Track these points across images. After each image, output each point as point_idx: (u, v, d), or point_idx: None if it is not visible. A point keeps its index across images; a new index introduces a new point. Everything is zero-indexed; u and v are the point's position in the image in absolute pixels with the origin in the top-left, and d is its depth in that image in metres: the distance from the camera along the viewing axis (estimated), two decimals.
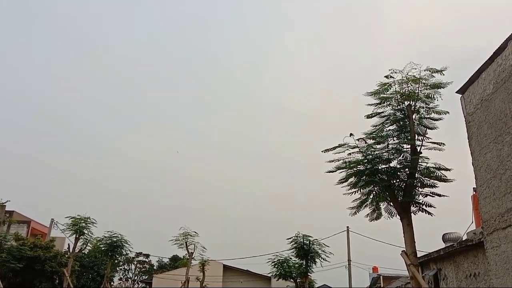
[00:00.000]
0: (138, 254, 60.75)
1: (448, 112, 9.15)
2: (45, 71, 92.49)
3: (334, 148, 8.98)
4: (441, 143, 9.01)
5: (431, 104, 9.13)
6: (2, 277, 17.69)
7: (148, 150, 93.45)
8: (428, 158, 9.03)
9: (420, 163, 8.90)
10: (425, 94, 9.03)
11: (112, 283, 31.98)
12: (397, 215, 9.09)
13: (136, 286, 47.57)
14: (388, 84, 9.08)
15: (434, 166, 8.92)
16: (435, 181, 8.98)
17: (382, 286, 35.62)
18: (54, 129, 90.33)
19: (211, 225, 74.52)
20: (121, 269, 60.44)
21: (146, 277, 57.62)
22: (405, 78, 8.91)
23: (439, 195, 9.06)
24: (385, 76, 8.97)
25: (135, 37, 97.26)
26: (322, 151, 9.01)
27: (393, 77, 8.94)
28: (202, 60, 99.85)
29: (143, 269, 64.21)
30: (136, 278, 62.78)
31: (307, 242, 21.11)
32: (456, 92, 12.20)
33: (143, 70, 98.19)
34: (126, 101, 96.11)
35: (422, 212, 9.14)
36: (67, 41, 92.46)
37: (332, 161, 9.14)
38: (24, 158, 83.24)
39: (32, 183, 79.35)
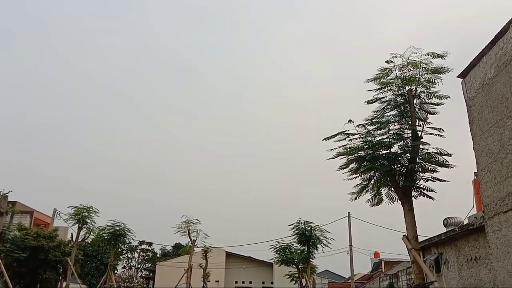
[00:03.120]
0: (141, 242, 61.15)
1: (449, 97, 9.09)
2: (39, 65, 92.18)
3: (334, 135, 8.94)
4: (441, 129, 8.98)
5: (432, 89, 9.06)
6: (7, 267, 17.81)
7: (151, 140, 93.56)
8: (429, 144, 9.00)
9: (421, 148, 8.88)
10: (426, 79, 8.96)
11: (115, 271, 32.26)
12: (398, 200, 9.10)
13: (139, 274, 47.95)
14: (388, 69, 9.00)
15: (435, 151, 8.89)
16: (436, 166, 8.97)
17: (383, 270, 35.90)
18: (53, 128, 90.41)
19: (213, 214, 74.98)
20: (124, 257, 60.85)
21: (150, 265, 58.09)
22: (405, 63, 8.83)
23: (440, 180, 9.05)
24: (385, 61, 8.89)
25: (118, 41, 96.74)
26: (323, 140, 8.98)
27: (394, 62, 8.87)
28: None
29: (146, 257, 64.68)
30: (139, 266, 63.27)
31: (309, 228, 21.18)
32: (457, 77, 12.12)
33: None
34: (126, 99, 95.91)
35: (423, 196, 9.14)
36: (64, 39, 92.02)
37: (333, 149, 9.13)
38: (25, 150, 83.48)
39: (33, 174, 79.68)
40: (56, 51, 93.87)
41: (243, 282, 42.31)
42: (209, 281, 29.46)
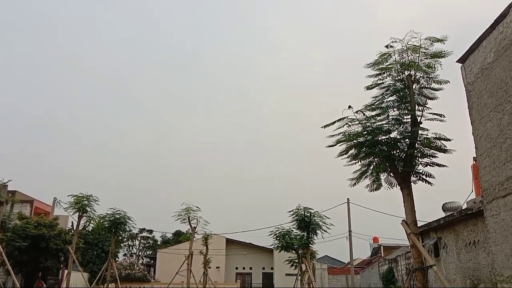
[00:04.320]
0: (142, 230, 61.50)
1: (449, 81, 9.05)
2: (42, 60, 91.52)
3: (334, 122, 8.93)
4: (441, 114, 8.96)
5: (431, 74, 9.02)
6: (8, 256, 17.90)
7: (148, 129, 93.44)
8: (427, 130, 9.00)
9: (420, 134, 8.88)
10: (425, 64, 8.92)
11: (117, 259, 32.49)
12: (397, 185, 9.13)
13: (140, 261, 48.35)
14: (388, 54, 8.95)
15: (434, 136, 8.89)
16: (435, 151, 8.98)
17: (382, 255, 36.21)
18: (53, 118, 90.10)
19: (212, 201, 75.29)
20: (125, 245, 61.26)
21: (150, 252, 58.52)
22: (405, 47, 8.78)
23: (439, 165, 9.07)
24: (385, 46, 8.83)
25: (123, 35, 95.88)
26: (322, 127, 8.97)
27: (393, 47, 8.81)
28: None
29: (147, 245, 65.12)
30: (140, 253, 63.72)
31: (308, 214, 21.27)
32: (457, 62, 12.06)
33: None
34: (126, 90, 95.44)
35: (422, 181, 9.17)
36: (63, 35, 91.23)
37: (332, 135, 9.12)
38: (25, 140, 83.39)
39: (33, 163, 79.73)
40: (56, 42, 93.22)
41: (244, 268, 42.68)
42: (209, 268, 29.68)
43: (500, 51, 10.17)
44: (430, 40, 8.77)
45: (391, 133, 9.00)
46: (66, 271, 20.68)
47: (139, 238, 64.43)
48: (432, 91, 9.15)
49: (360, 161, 9.32)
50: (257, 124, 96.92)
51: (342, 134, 8.97)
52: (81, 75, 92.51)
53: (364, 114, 8.89)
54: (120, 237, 30.11)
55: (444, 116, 8.92)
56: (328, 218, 21.77)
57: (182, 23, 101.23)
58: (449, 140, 8.83)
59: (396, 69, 9.02)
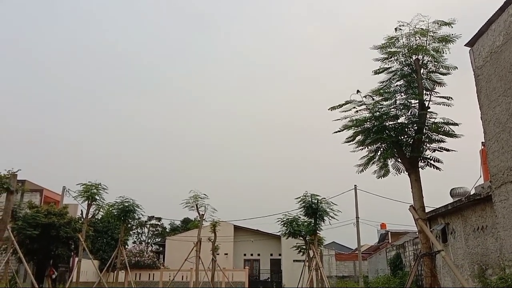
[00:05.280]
0: (151, 218, 62.06)
1: (457, 68, 8.95)
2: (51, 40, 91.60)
3: (341, 105, 8.87)
4: (449, 97, 8.87)
5: (439, 58, 8.91)
6: (20, 244, 18.18)
7: (154, 115, 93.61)
8: (436, 114, 8.92)
9: (428, 119, 8.81)
10: (433, 48, 8.80)
11: (126, 246, 32.84)
12: (404, 171, 9.09)
13: (150, 248, 48.94)
14: (395, 38, 8.85)
15: (442, 121, 8.82)
16: (443, 136, 8.91)
17: (390, 241, 36.27)
18: (61, 100, 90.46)
19: (220, 189, 75.67)
20: (134, 232, 61.94)
21: (159, 239, 59.09)
22: (412, 31, 8.66)
23: (447, 150, 9.01)
24: (394, 29, 8.72)
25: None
26: (328, 109, 8.92)
27: (401, 29, 8.70)
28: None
29: (156, 232, 65.76)
30: (149, 241, 64.42)
31: (315, 201, 21.30)
32: (465, 45, 11.90)
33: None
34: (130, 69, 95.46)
35: (430, 167, 9.12)
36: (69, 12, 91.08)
37: (339, 119, 9.07)
38: (32, 130, 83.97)
39: (41, 153, 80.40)
40: (72, 23, 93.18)
41: (252, 255, 42.98)
42: (218, 254, 29.94)
43: (510, 34, 10.00)
44: (437, 23, 8.65)
45: (398, 118, 8.94)
46: (76, 259, 20.97)
47: (148, 226, 65.07)
48: (439, 76, 9.05)
49: (368, 147, 9.28)
50: (262, 108, 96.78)
51: (349, 119, 8.93)
52: (86, 57, 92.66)
53: (373, 99, 8.82)
54: (129, 225, 30.41)
55: (452, 99, 8.83)
56: (336, 204, 21.82)
57: None
58: (457, 124, 8.75)
59: (403, 53, 8.91)
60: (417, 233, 12.93)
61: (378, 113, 8.71)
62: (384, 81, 9.19)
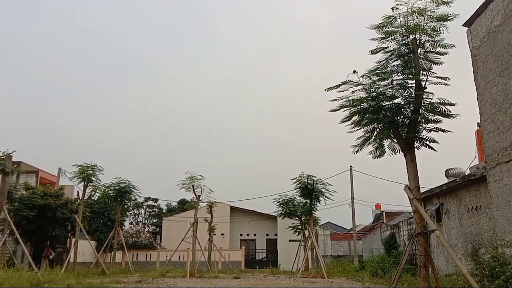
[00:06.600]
0: (147, 199, 62.33)
1: (454, 46, 8.86)
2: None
3: (338, 86, 8.80)
4: (446, 77, 8.81)
5: (436, 37, 8.83)
6: (16, 225, 18.21)
7: (150, 99, 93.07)
8: (432, 94, 8.89)
9: (424, 99, 8.77)
10: (431, 27, 8.71)
11: (123, 227, 33.03)
12: (400, 152, 9.10)
13: (146, 229, 49.21)
14: (393, 17, 8.74)
15: (438, 101, 8.79)
16: (439, 117, 8.89)
17: (385, 221, 36.63)
18: (56, 85, 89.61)
19: (216, 172, 75.84)
20: (131, 213, 62.25)
21: (156, 220, 59.45)
22: (410, 10, 8.55)
23: (443, 131, 9.00)
24: (391, 8, 8.59)
25: None
26: (325, 90, 8.85)
27: (399, 9, 8.58)
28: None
29: (153, 213, 66.13)
30: (146, 221, 64.79)
31: (311, 182, 21.41)
32: (463, 25, 11.80)
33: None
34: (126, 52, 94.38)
35: (426, 147, 9.13)
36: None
37: (335, 99, 9.02)
38: (28, 113, 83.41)
39: (36, 134, 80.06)
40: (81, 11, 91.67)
41: (248, 235, 43.36)
42: (214, 234, 30.23)
43: (508, 13, 9.91)
44: (435, 2, 8.53)
45: (395, 98, 8.89)
46: (73, 240, 21.07)
47: (144, 207, 65.40)
48: (437, 55, 8.97)
49: (364, 128, 9.26)
50: (258, 90, 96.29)
51: (345, 99, 8.87)
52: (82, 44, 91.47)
53: (370, 79, 8.75)
54: (125, 206, 30.50)
55: (449, 79, 8.78)
56: (331, 185, 21.95)
57: None
58: (454, 105, 8.72)
59: (401, 32, 8.82)
60: (411, 213, 13.04)
61: (374, 93, 8.65)
62: (381, 61, 9.11)
